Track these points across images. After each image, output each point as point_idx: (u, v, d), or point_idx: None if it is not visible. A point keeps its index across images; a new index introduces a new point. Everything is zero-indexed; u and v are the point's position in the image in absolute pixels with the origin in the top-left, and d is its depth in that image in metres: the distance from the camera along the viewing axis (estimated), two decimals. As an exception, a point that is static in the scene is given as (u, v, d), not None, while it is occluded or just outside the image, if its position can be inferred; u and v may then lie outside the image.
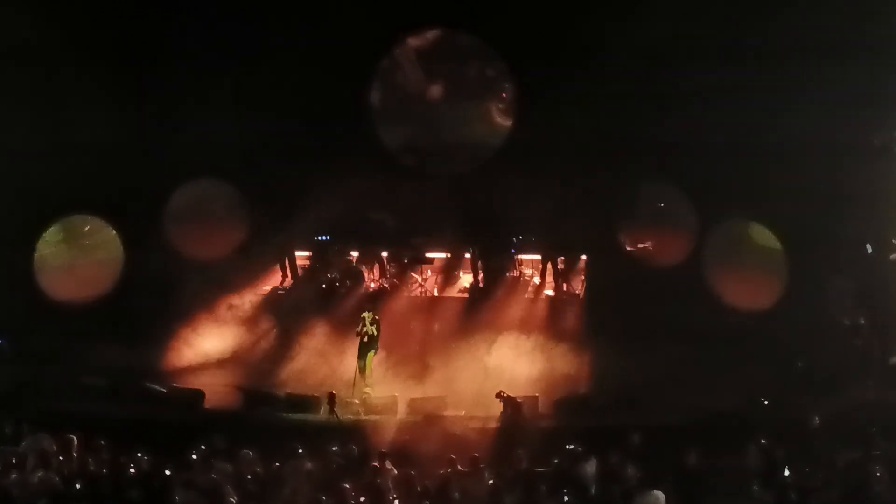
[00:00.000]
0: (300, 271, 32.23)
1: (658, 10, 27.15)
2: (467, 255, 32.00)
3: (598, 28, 28.40)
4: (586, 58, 28.41)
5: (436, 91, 31.52)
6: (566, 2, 29.06)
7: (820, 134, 27.06)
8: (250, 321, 30.17)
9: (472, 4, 29.71)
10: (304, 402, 26.37)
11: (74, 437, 20.94)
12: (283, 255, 31.80)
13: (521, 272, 31.96)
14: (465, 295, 31.60)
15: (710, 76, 27.89)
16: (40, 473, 19.23)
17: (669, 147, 28.27)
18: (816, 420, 22.88)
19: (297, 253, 32.18)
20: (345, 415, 25.66)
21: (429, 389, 27.21)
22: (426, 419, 25.00)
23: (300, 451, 20.89)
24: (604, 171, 29.35)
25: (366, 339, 27.36)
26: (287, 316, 30.32)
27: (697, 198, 28.92)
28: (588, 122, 28.38)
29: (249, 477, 19.69)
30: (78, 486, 18.37)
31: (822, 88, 27.18)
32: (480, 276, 31.82)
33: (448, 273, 32.17)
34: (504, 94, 31.31)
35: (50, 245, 30.81)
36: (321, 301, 31.04)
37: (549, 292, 31.37)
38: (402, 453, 21.63)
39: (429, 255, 32.00)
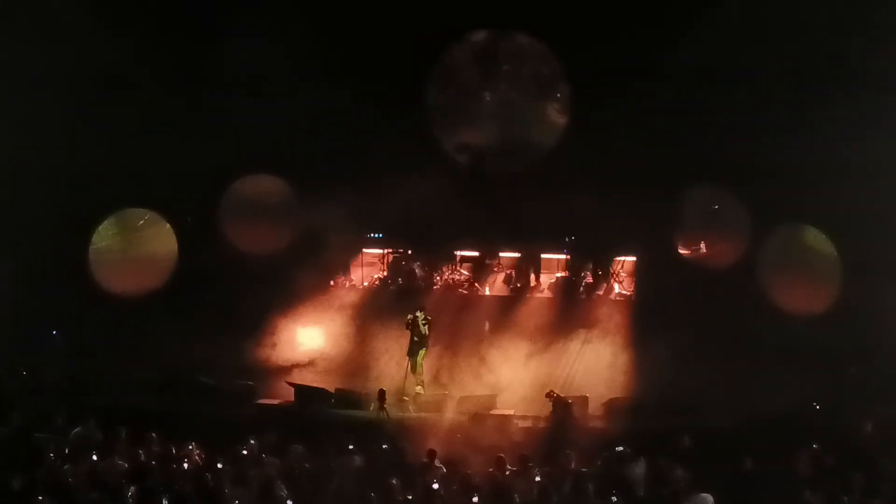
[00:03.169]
0: (357, 269, 32.31)
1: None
2: (518, 255, 31.96)
3: (656, 33, 28.32)
4: (642, 60, 28.29)
5: (492, 91, 31.46)
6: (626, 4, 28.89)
7: (877, 137, 26.87)
8: (303, 317, 30.17)
9: (530, 7, 29.58)
10: (354, 399, 26.50)
11: (124, 429, 21.14)
12: (340, 252, 31.82)
13: (572, 272, 31.85)
14: (517, 294, 31.53)
15: (762, 85, 27.73)
16: (93, 464, 19.45)
17: (725, 150, 28.06)
18: (869, 426, 22.71)
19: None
20: (395, 412, 25.73)
21: (479, 388, 27.24)
22: (476, 417, 25.02)
23: (350, 447, 20.95)
24: (658, 173, 29.13)
25: (416, 338, 27.43)
26: (339, 313, 30.35)
27: (752, 201, 28.69)
28: (643, 122, 28.19)
29: (299, 472, 19.78)
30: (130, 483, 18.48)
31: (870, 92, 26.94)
32: (532, 275, 31.79)
33: (500, 272, 32.14)
34: (559, 94, 31.19)
35: (104, 238, 30.98)
36: (374, 298, 31.12)
37: (601, 293, 31.24)
38: (451, 451, 21.63)
39: (480, 254, 31.97)
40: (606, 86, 28.68)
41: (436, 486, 18.87)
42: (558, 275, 31.80)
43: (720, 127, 27.95)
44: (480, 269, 32.11)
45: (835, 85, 27.03)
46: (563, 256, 32.05)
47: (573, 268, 31.75)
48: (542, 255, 31.98)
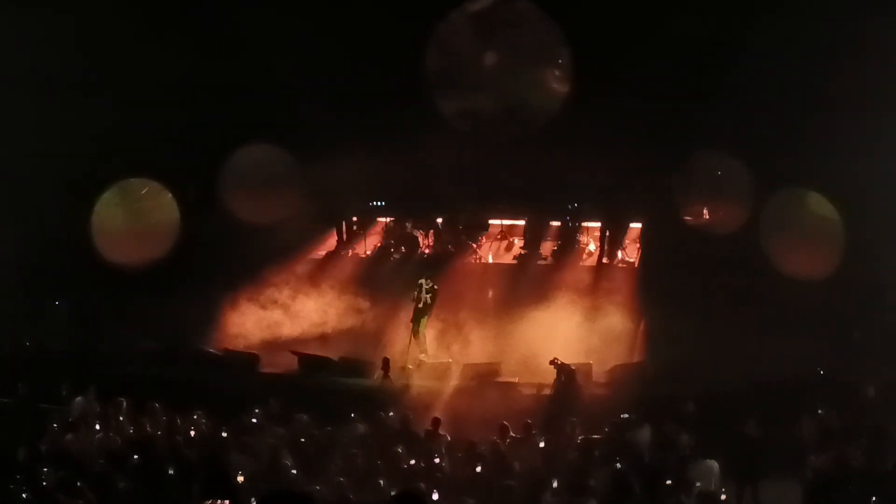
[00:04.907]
0: (361, 238, 32.23)
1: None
2: (522, 222, 31.86)
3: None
4: (647, 24, 28.21)
5: (493, 56, 31.29)
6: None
7: (878, 102, 26.79)
8: (306, 286, 30.12)
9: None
10: (358, 367, 26.50)
11: (125, 400, 21.21)
12: (338, 220, 31.79)
13: (576, 239, 31.77)
14: (521, 261, 31.45)
15: (767, 51, 27.62)
16: (98, 434, 19.50)
17: (727, 116, 27.93)
18: (872, 390, 22.72)
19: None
20: (399, 380, 25.75)
21: (483, 356, 27.23)
22: (480, 385, 25.04)
23: (353, 415, 20.99)
24: (661, 139, 29.03)
25: (421, 306, 27.43)
26: (342, 281, 30.30)
27: (754, 166, 28.58)
28: (646, 89, 28.04)
29: (304, 441, 19.81)
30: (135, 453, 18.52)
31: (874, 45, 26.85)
32: (535, 242, 31.68)
33: (503, 240, 32.06)
34: (562, 59, 31.02)
35: (107, 208, 30.87)
36: (376, 267, 31.07)
37: (605, 259, 31.16)
38: (455, 419, 21.67)
39: (484, 221, 31.86)
40: (610, 51, 28.62)
41: (437, 460, 18.90)
42: (560, 242, 31.69)
43: (723, 92, 27.78)
44: (483, 237, 32.01)
45: (841, 52, 26.94)
46: (562, 223, 31.92)
47: (569, 235, 31.62)
48: (549, 223, 31.84)
